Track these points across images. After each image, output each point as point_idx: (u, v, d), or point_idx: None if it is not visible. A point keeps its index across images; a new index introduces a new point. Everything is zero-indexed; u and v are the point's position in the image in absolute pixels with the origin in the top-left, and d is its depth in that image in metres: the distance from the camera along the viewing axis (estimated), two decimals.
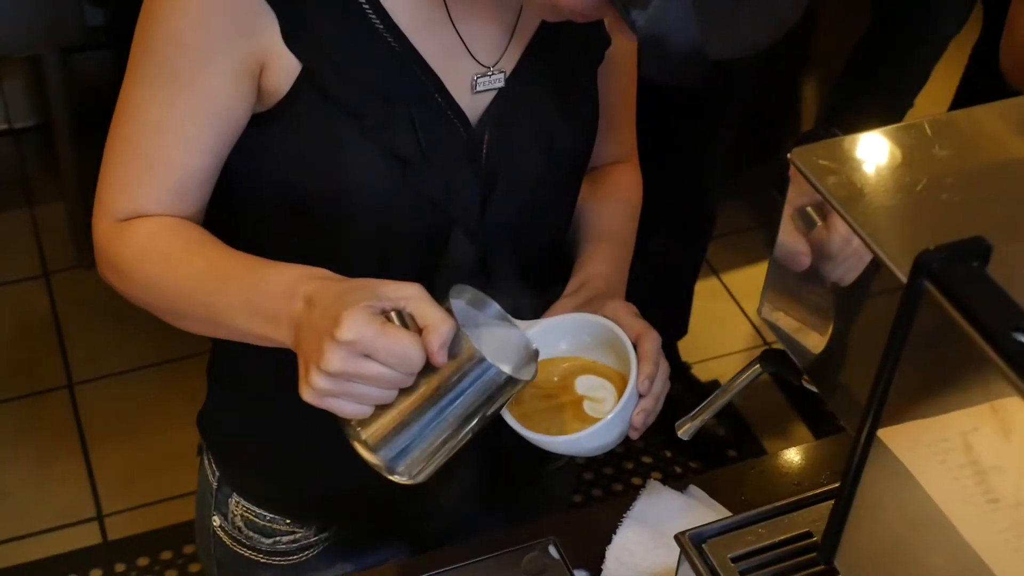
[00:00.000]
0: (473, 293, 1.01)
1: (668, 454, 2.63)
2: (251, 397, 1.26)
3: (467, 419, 0.97)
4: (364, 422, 0.95)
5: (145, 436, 2.55)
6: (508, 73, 1.11)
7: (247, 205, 1.12)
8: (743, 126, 2.46)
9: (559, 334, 1.13)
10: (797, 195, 0.81)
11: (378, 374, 0.90)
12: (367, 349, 0.89)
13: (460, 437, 0.98)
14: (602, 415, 1.08)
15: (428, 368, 0.93)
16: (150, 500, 2.47)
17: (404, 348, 0.90)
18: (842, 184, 0.79)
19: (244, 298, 0.99)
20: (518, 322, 1.10)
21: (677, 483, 1.32)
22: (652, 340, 1.11)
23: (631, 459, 2.61)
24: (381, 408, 0.94)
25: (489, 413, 0.98)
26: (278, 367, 1.18)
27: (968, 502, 0.72)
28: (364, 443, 0.95)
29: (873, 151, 0.83)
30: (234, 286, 1.00)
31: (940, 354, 0.71)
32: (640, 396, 1.09)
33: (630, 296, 2.68)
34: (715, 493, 1.31)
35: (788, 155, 0.81)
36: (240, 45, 1.02)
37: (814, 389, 0.89)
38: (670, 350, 2.69)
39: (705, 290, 2.88)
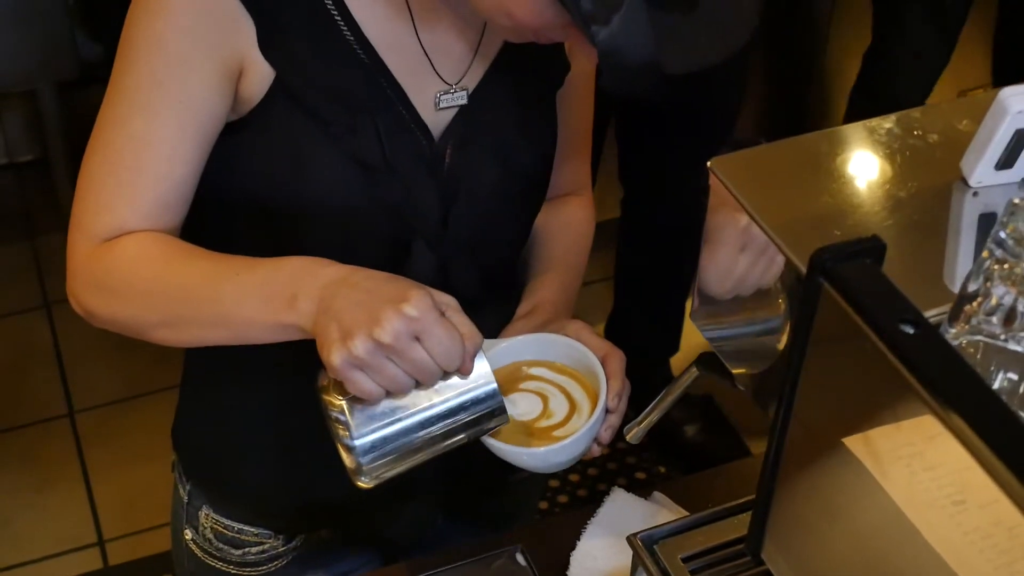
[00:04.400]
0: None
1: (662, 469, 2.65)
2: (222, 407, 1.29)
3: (446, 436, 1.01)
4: (357, 406, 0.97)
5: (144, 462, 2.57)
6: (471, 91, 1.14)
7: (215, 214, 1.14)
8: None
9: (524, 352, 1.16)
10: (717, 201, 0.85)
11: (419, 360, 0.94)
12: (423, 331, 0.93)
13: (428, 452, 1.02)
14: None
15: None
16: (150, 525, 2.49)
17: (454, 342, 0.95)
18: (757, 190, 0.82)
19: (256, 285, 1.00)
20: (485, 340, 1.13)
21: (645, 489, 1.35)
22: (618, 359, 1.14)
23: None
24: (382, 399, 0.97)
25: (464, 439, 1.03)
26: (250, 376, 1.22)
27: (932, 505, 0.74)
28: (348, 426, 0.97)
29: (790, 158, 0.86)
30: (244, 277, 1.01)
31: (853, 353, 0.74)
32: (608, 412, 1.12)
33: (626, 313, 2.72)
34: (682, 499, 1.33)
35: (708, 163, 0.85)
36: (221, 51, 1.04)
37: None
38: (662, 367, 2.71)
39: None
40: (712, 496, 1.34)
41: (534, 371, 1.15)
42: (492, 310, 1.21)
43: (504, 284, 1.26)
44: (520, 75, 1.17)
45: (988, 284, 0.68)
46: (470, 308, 1.17)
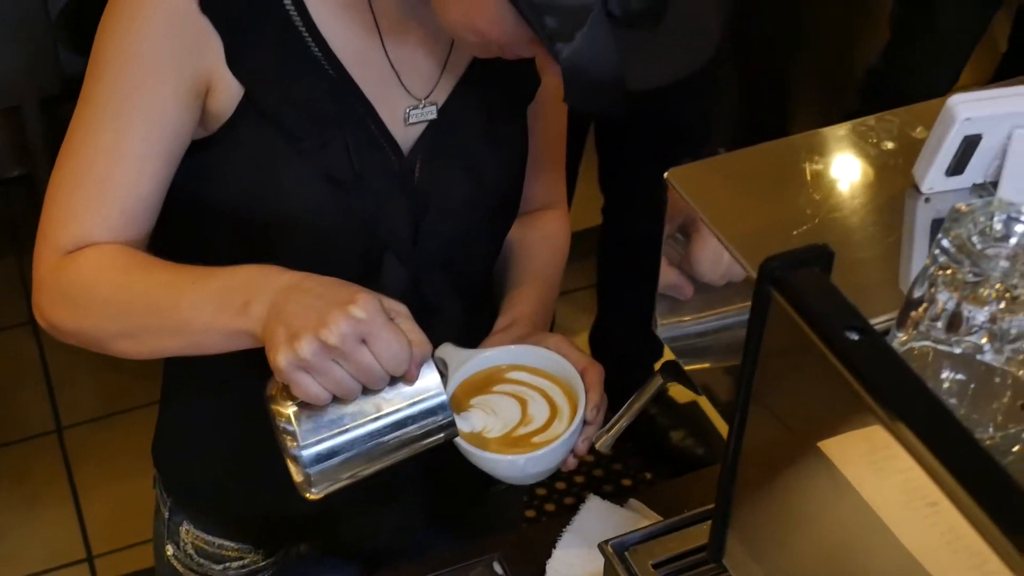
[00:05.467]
0: None
1: (648, 475, 2.65)
2: (197, 422, 1.30)
3: (394, 448, 1.01)
4: (304, 414, 0.97)
5: (133, 477, 2.55)
6: (440, 106, 1.15)
7: (191, 227, 1.15)
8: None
9: (504, 361, 1.17)
10: (674, 211, 0.86)
11: (365, 364, 0.94)
12: (370, 333, 0.93)
13: (378, 464, 1.02)
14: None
15: (388, 384, 0.97)
16: (138, 540, 2.49)
17: (401, 345, 0.95)
18: (713, 199, 0.83)
19: (212, 292, 1.01)
20: (465, 351, 1.14)
21: (624, 497, 1.35)
22: (597, 372, 1.15)
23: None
24: (329, 405, 0.97)
25: (411, 451, 1.02)
26: (223, 391, 1.22)
27: (906, 506, 0.75)
28: (295, 436, 0.97)
29: (747, 168, 0.87)
30: (200, 285, 1.02)
31: (805, 360, 0.75)
32: (585, 424, 1.12)
33: (609, 320, 2.73)
34: (658, 505, 1.34)
35: (664, 175, 0.86)
36: (190, 67, 1.05)
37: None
38: (648, 372, 2.72)
39: None
40: (688, 501, 1.35)
41: (513, 375, 1.16)
42: (465, 323, 1.21)
43: (477, 298, 1.27)
44: (489, 90, 1.17)
45: (933, 290, 0.69)
46: (442, 321, 1.18)
